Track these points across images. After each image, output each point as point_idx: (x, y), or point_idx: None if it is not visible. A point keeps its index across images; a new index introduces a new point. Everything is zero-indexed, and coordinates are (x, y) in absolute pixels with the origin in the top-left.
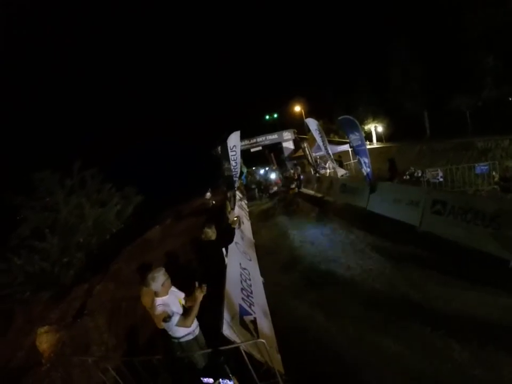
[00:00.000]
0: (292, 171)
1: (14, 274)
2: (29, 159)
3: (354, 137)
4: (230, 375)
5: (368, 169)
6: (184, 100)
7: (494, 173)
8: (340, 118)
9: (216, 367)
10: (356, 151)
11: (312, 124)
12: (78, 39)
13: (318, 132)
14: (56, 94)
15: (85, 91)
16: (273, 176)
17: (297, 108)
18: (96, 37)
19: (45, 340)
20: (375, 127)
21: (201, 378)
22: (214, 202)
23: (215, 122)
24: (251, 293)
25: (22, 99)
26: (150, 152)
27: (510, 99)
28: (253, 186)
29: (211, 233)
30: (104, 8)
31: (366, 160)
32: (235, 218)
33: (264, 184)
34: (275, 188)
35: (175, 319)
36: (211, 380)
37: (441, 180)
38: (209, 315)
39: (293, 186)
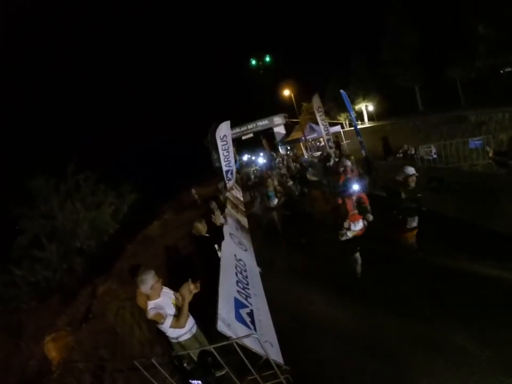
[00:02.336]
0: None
1: (18, 286)
2: (26, 162)
3: (354, 115)
4: None
5: (363, 150)
6: (184, 99)
7: (488, 148)
8: (342, 90)
9: (205, 368)
10: (357, 130)
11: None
12: (78, 39)
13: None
14: (56, 93)
15: (85, 91)
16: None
17: (287, 92)
18: (95, 37)
19: (52, 348)
20: (366, 106)
21: (190, 381)
22: (198, 200)
23: (215, 119)
24: (247, 284)
25: (23, 99)
26: (150, 152)
27: (501, 72)
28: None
29: (201, 227)
30: (103, 8)
31: (361, 139)
32: (223, 214)
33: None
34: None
35: (168, 321)
36: (199, 382)
37: (435, 156)
38: (206, 311)
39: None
